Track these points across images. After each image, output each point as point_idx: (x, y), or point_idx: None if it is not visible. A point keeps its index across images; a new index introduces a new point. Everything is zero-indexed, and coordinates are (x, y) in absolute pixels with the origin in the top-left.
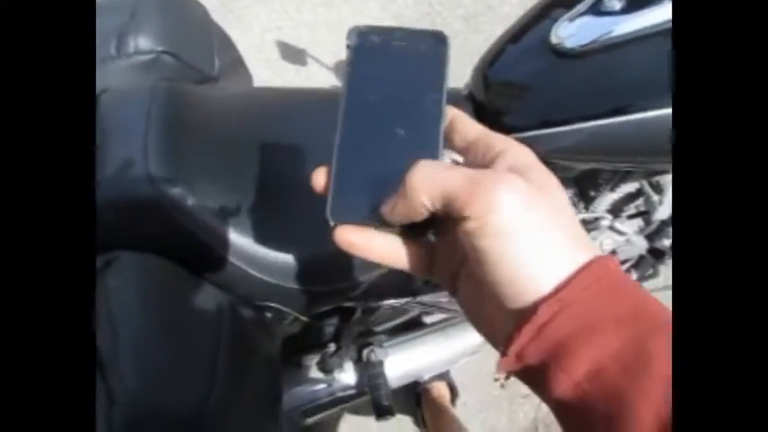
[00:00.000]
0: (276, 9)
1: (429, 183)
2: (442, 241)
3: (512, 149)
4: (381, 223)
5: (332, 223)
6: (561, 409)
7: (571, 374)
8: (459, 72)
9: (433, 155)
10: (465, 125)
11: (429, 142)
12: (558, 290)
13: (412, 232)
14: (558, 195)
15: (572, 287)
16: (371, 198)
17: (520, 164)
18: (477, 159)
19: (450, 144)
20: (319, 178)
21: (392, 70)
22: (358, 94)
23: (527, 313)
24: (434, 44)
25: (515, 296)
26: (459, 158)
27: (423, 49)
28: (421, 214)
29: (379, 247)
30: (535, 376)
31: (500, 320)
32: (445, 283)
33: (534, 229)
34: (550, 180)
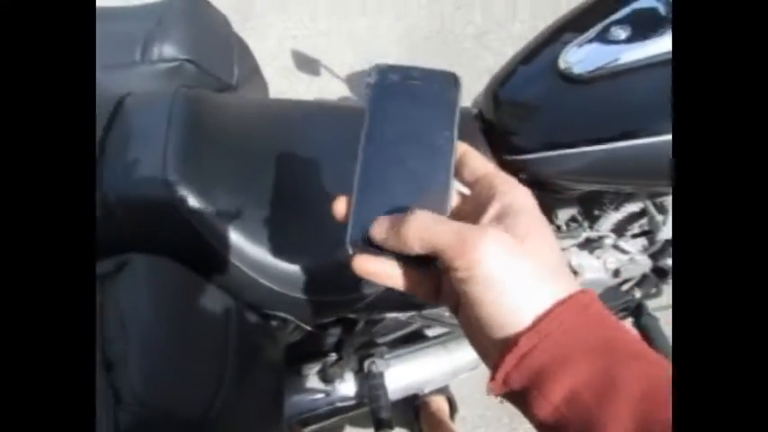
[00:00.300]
0: (292, 18)
1: (421, 234)
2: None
3: (510, 192)
4: (396, 253)
5: (350, 251)
6: (543, 429)
7: (550, 400)
8: (469, 89)
9: (444, 189)
10: (474, 161)
11: (440, 177)
12: (536, 323)
13: (422, 263)
14: (541, 240)
15: (549, 321)
16: None
17: (513, 207)
18: (480, 195)
19: (459, 177)
20: (340, 207)
21: (408, 107)
22: (377, 129)
23: (510, 344)
24: (447, 84)
25: (500, 330)
26: (466, 190)
27: (437, 88)
28: (411, 250)
29: (392, 276)
30: (520, 399)
31: (489, 348)
32: (450, 309)
33: (517, 274)
34: (538, 223)
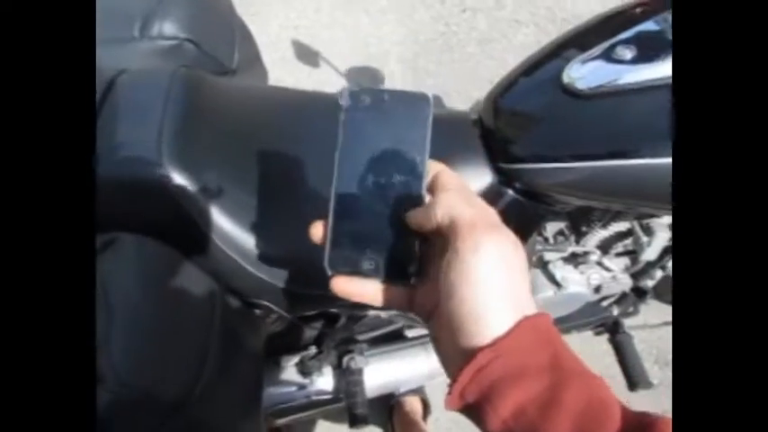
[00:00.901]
0: (295, 8)
1: (447, 206)
2: (421, 288)
3: (483, 212)
4: (370, 272)
5: (329, 273)
6: None
7: (500, 413)
8: (470, 94)
9: (418, 207)
10: (448, 181)
11: (414, 195)
12: (495, 341)
13: (396, 278)
14: (524, 260)
15: (507, 340)
16: (363, 250)
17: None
18: None
19: (432, 195)
20: (317, 231)
21: (381, 129)
22: (350, 152)
23: (469, 356)
24: (419, 105)
25: (464, 335)
26: None
27: (408, 110)
28: (431, 224)
29: (368, 293)
30: (474, 413)
31: (452, 357)
32: (423, 318)
33: (496, 282)
34: (515, 241)
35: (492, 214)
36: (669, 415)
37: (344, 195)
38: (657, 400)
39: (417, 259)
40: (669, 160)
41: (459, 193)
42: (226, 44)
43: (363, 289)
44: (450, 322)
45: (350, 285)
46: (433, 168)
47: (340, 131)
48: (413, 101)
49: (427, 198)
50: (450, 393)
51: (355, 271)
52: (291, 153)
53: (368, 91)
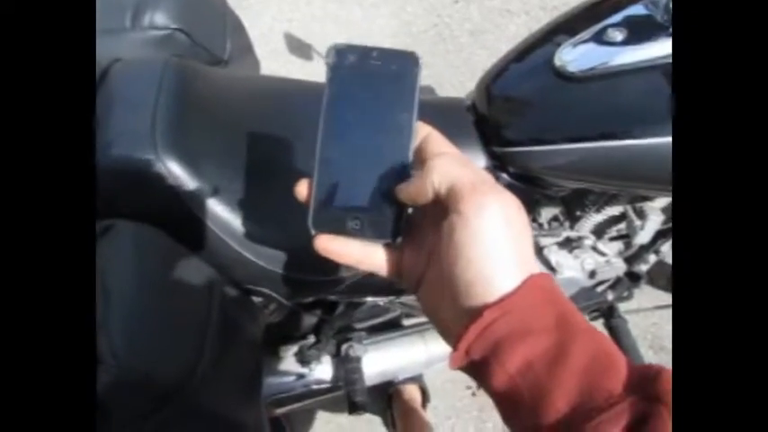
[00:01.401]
0: (288, 1)
1: (444, 172)
2: (409, 250)
3: (479, 174)
4: (355, 232)
5: (312, 232)
6: (498, 398)
7: (506, 369)
8: (464, 84)
9: (404, 170)
10: (436, 144)
11: (400, 157)
12: (501, 299)
13: (382, 239)
14: (526, 220)
15: (513, 298)
16: (347, 209)
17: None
18: None
19: (419, 160)
20: (302, 189)
21: (368, 88)
22: (336, 110)
23: (475, 315)
24: (407, 64)
25: (471, 296)
26: None
27: (396, 68)
28: (426, 195)
29: (353, 253)
30: (479, 370)
31: (453, 320)
32: (411, 286)
33: (502, 242)
34: (521, 205)
35: (488, 176)
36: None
37: (330, 154)
38: None
39: (404, 219)
40: (662, 140)
41: (453, 156)
42: (217, 34)
43: (348, 249)
44: (456, 285)
45: (334, 244)
46: (422, 131)
47: (326, 89)
48: (401, 59)
49: (412, 159)
50: (455, 350)
51: (340, 230)
52: (285, 140)
53: (355, 48)
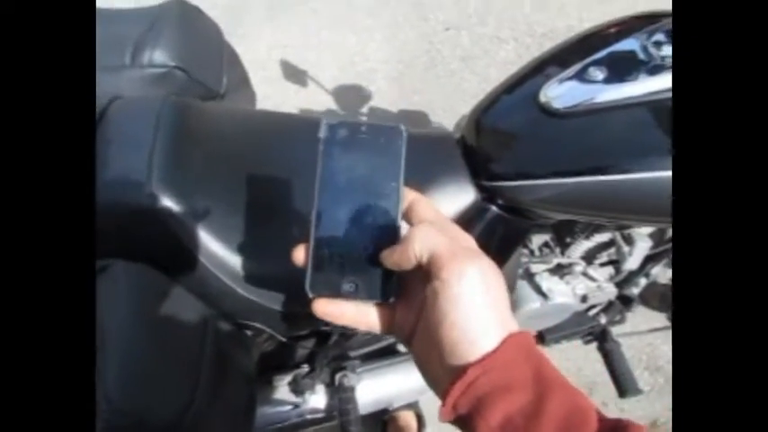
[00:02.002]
0: (283, 29)
1: (424, 240)
2: (400, 306)
3: (460, 238)
4: (350, 294)
5: (310, 296)
6: None
7: (489, 423)
8: (456, 110)
9: (393, 234)
10: (423, 209)
11: (389, 222)
12: (483, 358)
13: (375, 299)
14: (497, 280)
15: (494, 357)
16: (342, 273)
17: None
18: None
19: (408, 224)
20: (299, 254)
21: (358, 160)
22: (329, 180)
23: (459, 373)
24: (394, 137)
25: (455, 356)
26: None
27: (384, 141)
28: (409, 263)
29: (349, 314)
30: (466, 424)
31: (441, 376)
32: (403, 340)
33: (483, 304)
34: (492, 265)
35: (467, 239)
36: (661, 418)
37: (324, 221)
38: (652, 406)
39: (395, 281)
40: (643, 175)
41: (433, 225)
42: (214, 69)
43: (343, 310)
44: (441, 345)
45: (330, 307)
46: (409, 196)
47: (319, 161)
48: (388, 133)
49: (403, 224)
50: (443, 406)
51: (336, 293)
52: (279, 175)
53: (345, 124)
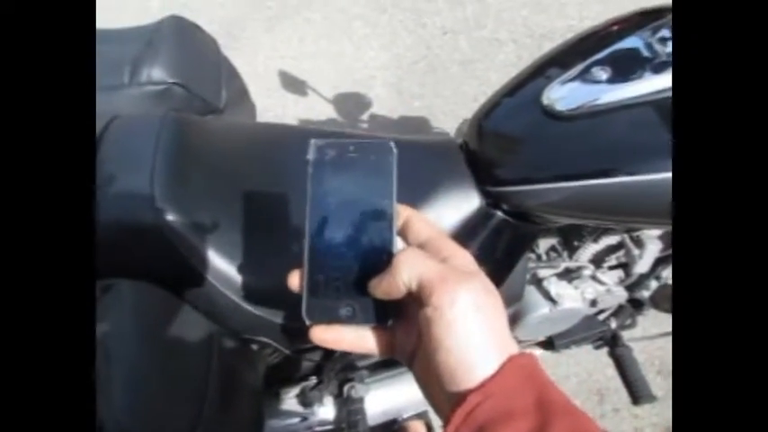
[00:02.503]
0: (280, 40)
1: (411, 267)
2: (400, 328)
3: (457, 256)
4: (348, 319)
5: (307, 322)
6: None
7: None
8: (456, 114)
9: (388, 252)
10: (418, 226)
11: (384, 241)
12: (483, 384)
13: (373, 323)
14: (493, 301)
15: (494, 382)
16: (338, 298)
17: (464, 269)
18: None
19: (404, 240)
20: (294, 281)
21: (348, 180)
22: (320, 204)
23: (460, 399)
24: (383, 154)
25: (454, 383)
26: None
27: (374, 158)
28: (399, 291)
29: (347, 339)
30: None
31: (442, 400)
32: (404, 362)
33: (478, 329)
34: (489, 285)
35: (464, 256)
36: None
37: (317, 245)
38: (666, 412)
39: (393, 303)
40: (651, 176)
41: (418, 251)
42: (213, 84)
43: (342, 336)
44: (439, 372)
45: (328, 333)
46: (403, 213)
47: (309, 184)
48: (377, 150)
49: (399, 242)
50: None
51: (333, 318)
52: (280, 188)
53: (333, 144)
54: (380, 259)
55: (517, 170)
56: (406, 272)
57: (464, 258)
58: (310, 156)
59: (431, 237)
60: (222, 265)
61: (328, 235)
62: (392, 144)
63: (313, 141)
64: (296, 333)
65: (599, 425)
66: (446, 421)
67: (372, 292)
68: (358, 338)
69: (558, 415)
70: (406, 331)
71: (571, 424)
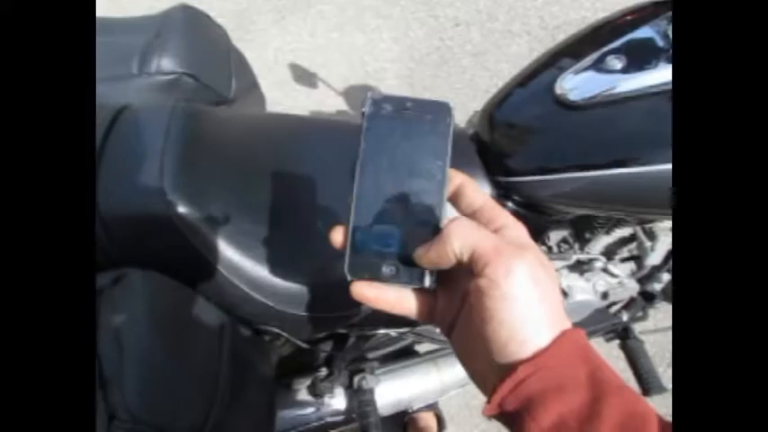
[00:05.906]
0: (291, 32)
1: (463, 237)
2: (442, 294)
3: (510, 227)
4: (390, 278)
5: (349, 278)
6: None
7: (540, 424)
8: (468, 107)
9: (437, 217)
10: (472, 192)
11: (434, 205)
12: (535, 355)
13: (416, 284)
14: (554, 272)
15: (546, 355)
16: (383, 255)
17: (519, 241)
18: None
19: (456, 207)
20: (338, 236)
21: (402, 137)
22: (371, 159)
23: (509, 370)
24: (441, 114)
25: (505, 355)
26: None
27: (430, 118)
28: (449, 261)
29: (388, 299)
30: (512, 421)
31: (487, 371)
32: (443, 329)
33: (533, 302)
34: (543, 259)
35: (516, 230)
36: None
37: (365, 201)
38: None
39: None
40: (665, 167)
41: (470, 221)
42: (223, 74)
43: (383, 294)
44: (490, 343)
45: (369, 291)
46: (456, 179)
47: (362, 138)
48: (435, 108)
49: (448, 207)
50: (488, 402)
51: (375, 276)
52: (290, 178)
53: (390, 98)
54: (427, 221)
55: (529, 160)
56: (458, 242)
57: (518, 230)
58: (366, 109)
59: (485, 205)
60: (233, 255)
61: (376, 191)
62: (451, 104)
63: (369, 94)
64: (307, 323)
65: (652, 406)
66: (491, 390)
67: (419, 261)
68: (399, 299)
69: (611, 392)
70: (448, 298)
71: (624, 402)
